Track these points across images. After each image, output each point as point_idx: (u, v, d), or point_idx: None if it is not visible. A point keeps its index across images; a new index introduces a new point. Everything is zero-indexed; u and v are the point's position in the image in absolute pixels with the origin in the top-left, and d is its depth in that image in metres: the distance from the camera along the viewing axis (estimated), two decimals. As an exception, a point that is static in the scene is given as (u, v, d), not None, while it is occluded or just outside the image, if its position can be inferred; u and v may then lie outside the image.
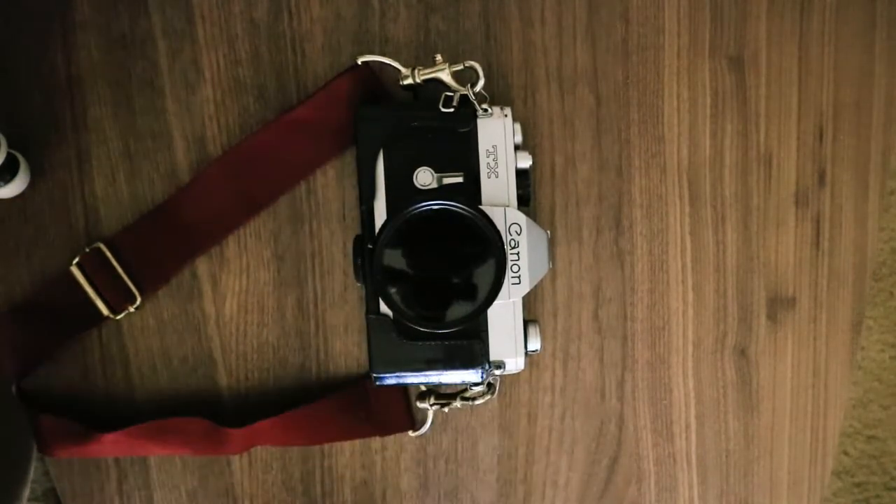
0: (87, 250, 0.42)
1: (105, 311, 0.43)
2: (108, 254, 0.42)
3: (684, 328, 0.46)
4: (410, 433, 0.44)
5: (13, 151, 0.41)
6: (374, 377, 0.40)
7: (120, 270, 0.42)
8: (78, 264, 0.42)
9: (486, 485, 0.46)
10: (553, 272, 0.45)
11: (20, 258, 0.43)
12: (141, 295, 0.43)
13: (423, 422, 0.44)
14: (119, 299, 0.43)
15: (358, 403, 0.44)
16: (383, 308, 0.39)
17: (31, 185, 0.43)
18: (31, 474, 0.41)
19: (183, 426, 0.43)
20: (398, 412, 0.44)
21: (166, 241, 0.43)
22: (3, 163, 0.40)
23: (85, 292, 0.42)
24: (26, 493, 0.47)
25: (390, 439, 0.45)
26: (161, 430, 0.42)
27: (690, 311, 0.46)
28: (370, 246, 0.38)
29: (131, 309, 0.43)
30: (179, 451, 0.43)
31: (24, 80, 0.43)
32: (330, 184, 0.44)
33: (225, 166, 0.43)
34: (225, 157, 0.43)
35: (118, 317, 0.43)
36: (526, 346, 0.40)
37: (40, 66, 0.43)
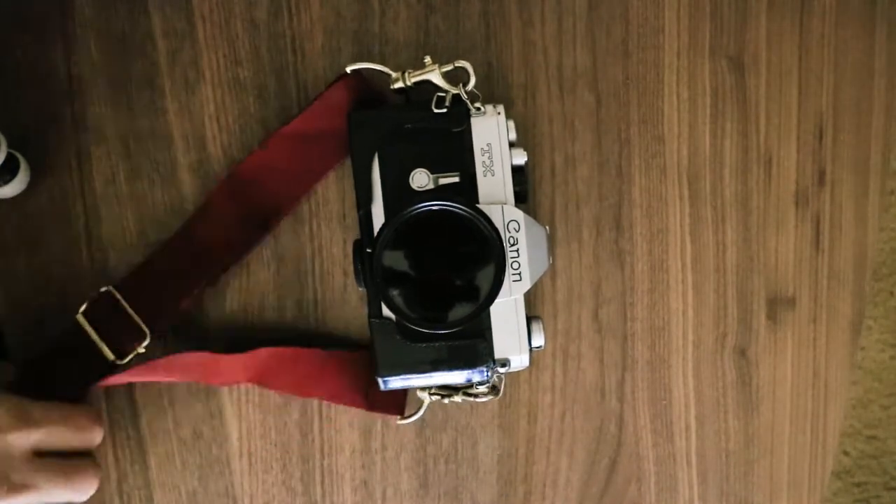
0: (97, 295, 0.42)
1: (111, 356, 0.42)
2: (119, 297, 0.42)
3: (684, 328, 0.46)
4: (398, 420, 0.44)
5: (13, 151, 0.41)
6: (381, 380, 0.40)
7: (131, 312, 0.42)
8: (84, 312, 0.41)
9: (486, 485, 0.46)
10: (553, 272, 0.45)
11: (20, 258, 0.43)
12: (151, 334, 0.42)
13: (417, 411, 0.43)
14: (129, 340, 0.42)
15: (359, 369, 0.43)
16: (386, 311, 0.39)
17: (31, 185, 0.43)
18: None
19: (183, 358, 0.42)
20: (395, 394, 0.43)
21: (176, 278, 0.42)
22: (3, 163, 0.40)
23: (93, 341, 0.41)
24: None
25: (390, 439, 0.45)
26: (167, 366, 0.42)
27: (690, 311, 0.46)
28: (369, 250, 0.38)
29: (140, 349, 0.42)
30: (179, 377, 0.42)
31: (24, 80, 0.43)
32: (330, 184, 0.44)
33: (229, 188, 0.43)
34: (228, 179, 0.43)
35: (125, 360, 0.42)
36: (530, 343, 0.40)
37: (40, 66, 0.43)
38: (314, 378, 0.43)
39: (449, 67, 0.40)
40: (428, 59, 0.40)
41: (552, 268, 0.45)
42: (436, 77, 0.40)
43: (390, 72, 0.41)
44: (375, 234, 0.38)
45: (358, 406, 0.44)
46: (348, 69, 0.42)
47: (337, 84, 0.42)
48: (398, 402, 0.44)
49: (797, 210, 0.46)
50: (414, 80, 0.40)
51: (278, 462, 0.45)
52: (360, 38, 0.44)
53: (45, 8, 0.43)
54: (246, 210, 0.43)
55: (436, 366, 0.39)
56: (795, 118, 0.45)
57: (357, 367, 0.43)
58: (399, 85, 0.40)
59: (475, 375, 0.40)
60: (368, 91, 0.42)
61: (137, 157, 0.44)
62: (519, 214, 0.39)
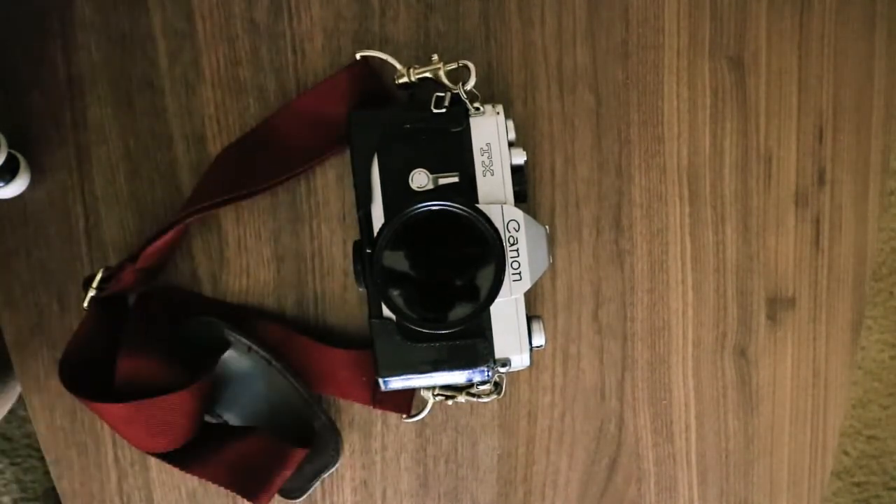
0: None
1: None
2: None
3: (684, 328, 0.46)
4: (404, 418, 0.44)
5: (13, 151, 0.41)
6: (381, 381, 0.40)
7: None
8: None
9: (486, 485, 0.46)
10: (553, 272, 0.45)
11: (20, 258, 0.43)
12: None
13: (421, 410, 0.44)
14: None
15: (366, 368, 0.43)
16: (386, 311, 0.39)
17: (31, 185, 0.43)
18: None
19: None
20: (402, 393, 0.44)
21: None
22: (3, 163, 0.40)
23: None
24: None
25: (390, 439, 0.45)
26: None
27: (690, 311, 0.46)
28: (369, 250, 0.38)
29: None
30: None
31: (24, 80, 0.43)
32: (330, 184, 0.44)
33: (240, 146, 0.43)
34: (244, 138, 0.43)
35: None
36: (531, 342, 0.40)
37: (40, 66, 0.43)
38: (323, 372, 0.43)
39: (453, 66, 0.40)
40: (435, 57, 0.40)
41: (552, 268, 0.45)
42: (439, 74, 0.40)
43: (397, 64, 0.41)
44: (375, 234, 0.38)
45: (366, 403, 0.44)
46: (358, 55, 0.42)
47: (346, 70, 0.42)
48: (405, 401, 0.44)
49: (797, 210, 0.46)
50: (418, 75, 0.40)
51: (278, 462, 0.45)
52: (360, 38, 0.44)
53: (45, 8, 0.43)
54: (245, 168, 0.43)
55: (436, 366, 0.39)
56: (795, 118, 0.45)
57: (365, 365, 0.43)
58: (403, 80, 0.40)
59: (476, 375, 0.40)
60: (375, 81, 0.43)
61: (137, 157, 0.44)
62: (519, 214, 0.39)
